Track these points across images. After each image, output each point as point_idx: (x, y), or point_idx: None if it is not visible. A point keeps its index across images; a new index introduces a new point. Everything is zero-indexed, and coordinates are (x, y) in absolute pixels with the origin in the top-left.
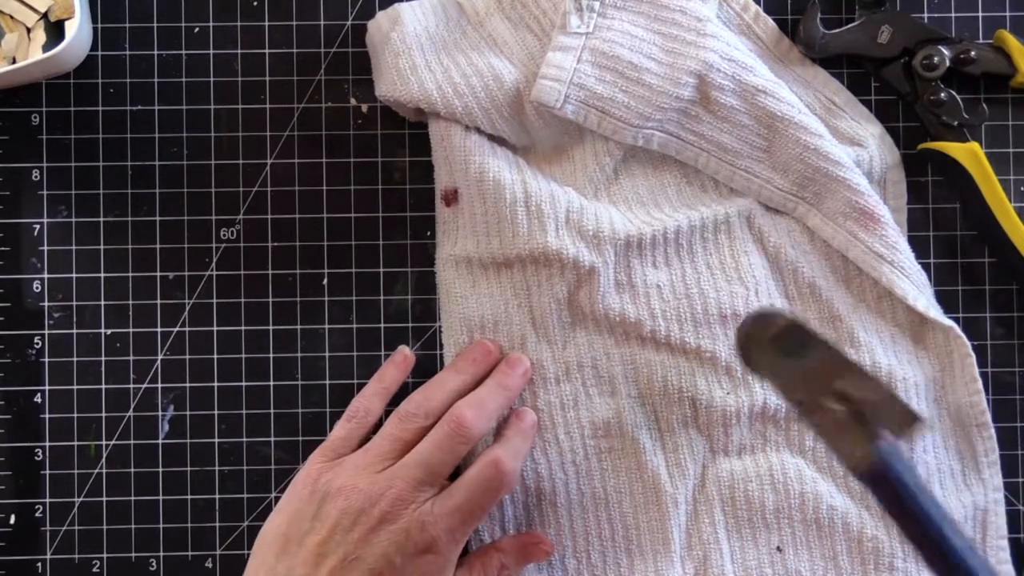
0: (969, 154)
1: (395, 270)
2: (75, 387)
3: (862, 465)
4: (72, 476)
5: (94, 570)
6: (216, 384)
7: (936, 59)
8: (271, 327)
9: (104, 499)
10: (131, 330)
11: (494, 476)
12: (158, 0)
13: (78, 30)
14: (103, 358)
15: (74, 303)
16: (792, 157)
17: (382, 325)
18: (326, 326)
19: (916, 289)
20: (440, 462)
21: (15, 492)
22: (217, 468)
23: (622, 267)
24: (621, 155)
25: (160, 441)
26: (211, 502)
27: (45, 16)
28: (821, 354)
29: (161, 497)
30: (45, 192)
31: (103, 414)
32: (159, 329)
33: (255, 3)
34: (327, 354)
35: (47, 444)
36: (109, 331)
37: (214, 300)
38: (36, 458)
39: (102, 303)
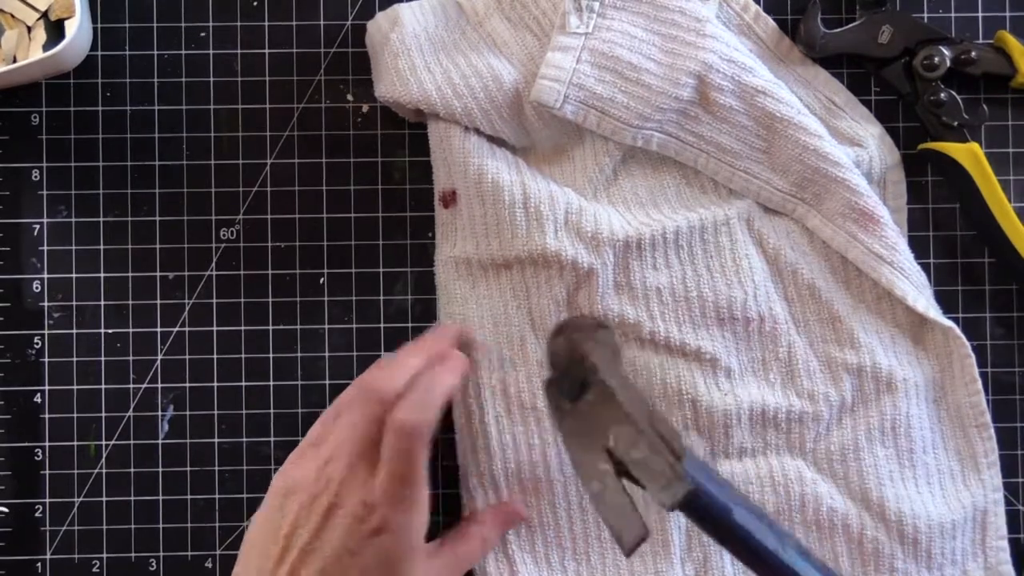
0: (969, 154)
1: (395, 270)
2: (75, 387)
3: (670, 509)
4: (72, 476)
5: (94, 570)
6: (216, 384)
7: (936, 59)
8: (271, 327)
9: (104, 499)
10: (131, 330)
11: (403, 437)
12: (158, 0)
13: (78, 29)
14: (103, 358)
15: (74, 303)
16: (791, 158)
17: (382, 325)
18: (326, 326)
19: (916, 290)
20: (365, 433)
21: (15, 492)
22: (217, 468)
23: (621, 269)
24: (620, 156)
25: (160, 441)
26: (211, 502)
27: (45, 15)
28: (595, 397)
29: (161, 497)
30: (45, 192)
31: (103, 414)
32: (159, 329)
33: (255, 3)
34: (327, 354)
35: (47, 444)
36: (109, 331)
37: (214, 300)
38: (36, 458)
39: (102, 303)
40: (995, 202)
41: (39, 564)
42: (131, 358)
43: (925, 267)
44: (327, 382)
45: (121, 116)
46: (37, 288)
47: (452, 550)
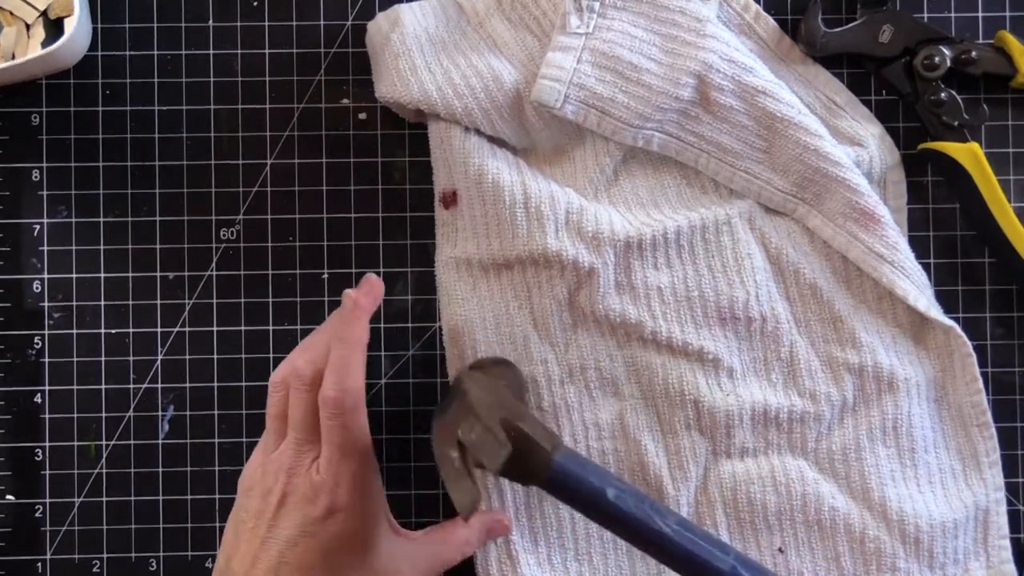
0: (969, 154)
1: (395, 270)
2: (75, 387)
3: (542, 476)
4: (72, 476)
5: (94, 570)
6: (216, 384)
7: (937, 59)
8: (271, 327)
9: (104, 499)
10: (131, 330)
11: (332, 412)
12: (158, 0)
13: (77, 26)
14: (103, 358)
15: (74, 303)
16: (792, 158)
17: (382, 325)
18: None
19: (917, 289)
20: (302, 417)
21: (15, 492)
22: (217, 468)
23: (622, 268)
24: (621, 156)
25: (160, 441)
26: (211, 502)
27: (45, 13)
28: (456, 405)
29: (161, 497)
30: (45, 192)
31: (103, 414)
32: (159, 329)
33: (255, 3)
34: None
35: (47, 444)
36: (109, 331)
37: (214, 300)
38: (36, 458)
39: (102, 303)
40: (995, 202)
41: (39, 564)
42: (131, 358)
43: (925, 267)
44: None
45: (121, 116)
46: (37, 288)
47: (429, 541)
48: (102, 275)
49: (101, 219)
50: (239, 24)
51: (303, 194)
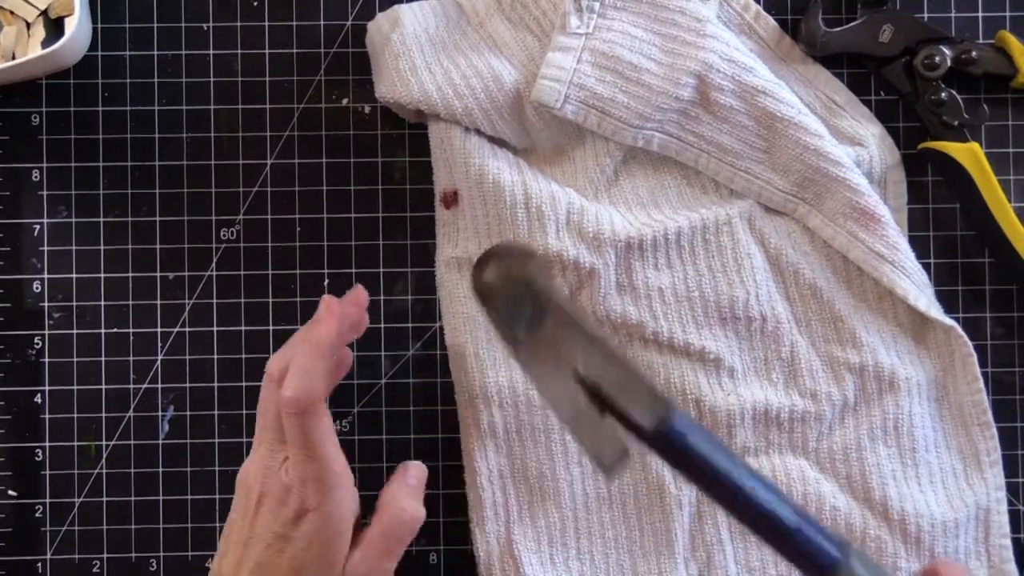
0: (969, 154)
1: (395, 270)
2: (75, 387)
3: (654, 429)
4: (72, 476)
5: (94, 570)
6: (216, 384)
7: (937, 59)
8: (271, 327)
9: (104, 499)
10: (131, 330)
11: (289, 413)
12: (158, 0)
13: (77, 26)
14: (103, 358)
15: (74, 303)
16: (792, 158)
17: (382, 325)
18: None
19: (917, 289)
20: (274, 417)
21: (15, 492)
22: (217, 468)
23: (623, 269)
24: (621, 156)
25: (160, 441)
26: (211, 502)
27: (45, 13)
28: (555, 323)
29: (161, 497)
30: (45, 192)
31: (103, 414)
32: (159, 329)
33: (255, 3)
34: None
35: (47, 444)
36: (109, 331)
37: (214, 300)
38: (36, 458)
39: (102, 303)
40: (995, 202)
41: (39, 564)
42: (131, 358)
43: (925, 267)
44: None
45: (121, 116)
46: (37, 288)
47: (376, 521)
48: (102, 275)
49: (101, 219)
50: (239, 24)
51: (303, 194)
